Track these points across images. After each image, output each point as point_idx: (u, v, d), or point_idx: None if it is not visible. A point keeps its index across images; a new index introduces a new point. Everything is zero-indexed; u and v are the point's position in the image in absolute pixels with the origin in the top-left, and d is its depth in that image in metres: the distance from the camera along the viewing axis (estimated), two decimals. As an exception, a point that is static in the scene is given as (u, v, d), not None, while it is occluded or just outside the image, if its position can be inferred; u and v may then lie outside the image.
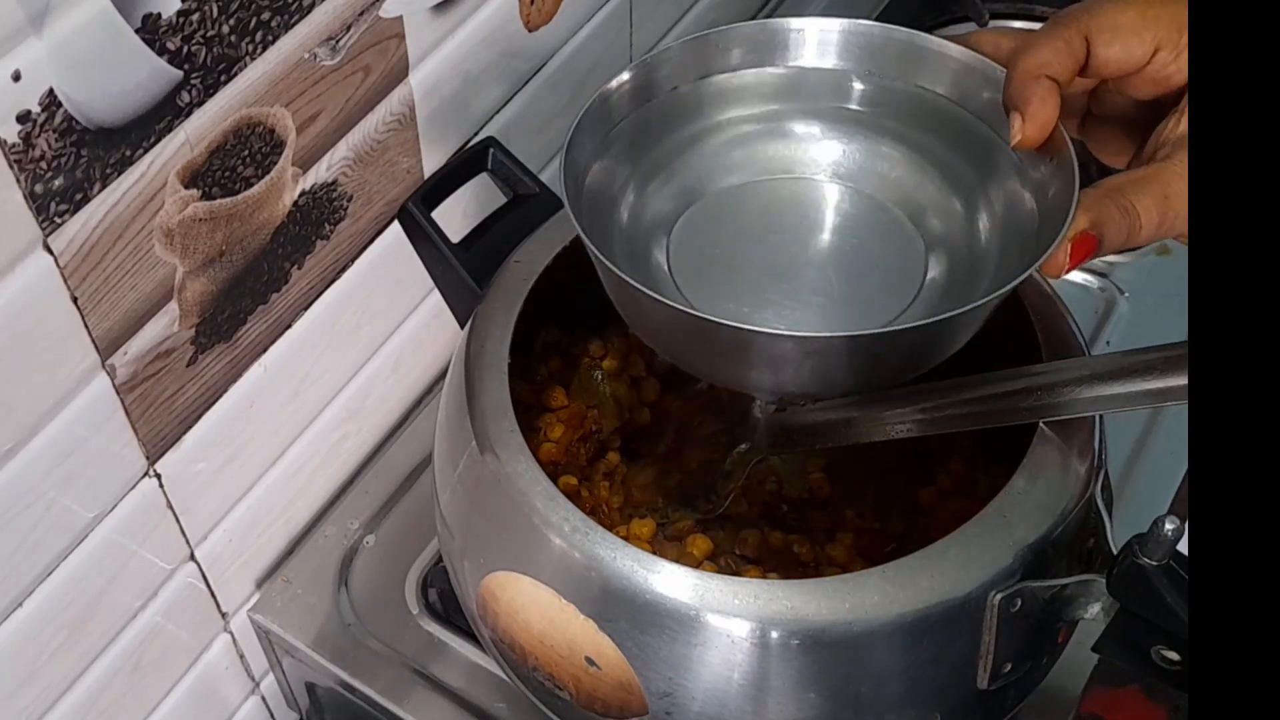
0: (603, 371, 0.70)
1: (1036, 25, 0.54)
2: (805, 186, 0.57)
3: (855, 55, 0.56)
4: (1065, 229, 0.47)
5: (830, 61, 0.56)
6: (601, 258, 0.49)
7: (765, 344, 0.49)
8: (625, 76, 0.55)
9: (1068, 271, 0.48)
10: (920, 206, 0.55)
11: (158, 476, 0.63)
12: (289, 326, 0.68)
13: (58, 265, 0.52)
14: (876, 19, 0.56)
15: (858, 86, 0.57)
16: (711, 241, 0.55)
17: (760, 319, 0.52)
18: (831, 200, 0.56)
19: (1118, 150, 0.56)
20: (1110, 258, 0.87)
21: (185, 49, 0.53)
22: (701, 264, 0.54)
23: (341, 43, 0.61)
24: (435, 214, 0.65)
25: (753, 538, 0.65)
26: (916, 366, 0.53)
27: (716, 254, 0.55)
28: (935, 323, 0.48)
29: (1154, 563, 0.49)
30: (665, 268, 0.54)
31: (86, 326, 0.54)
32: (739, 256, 0.55)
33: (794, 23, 0.56)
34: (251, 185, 0.60)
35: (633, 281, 0.48)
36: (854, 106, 0.57)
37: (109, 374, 0.57)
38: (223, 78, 0.55)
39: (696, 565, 0.63)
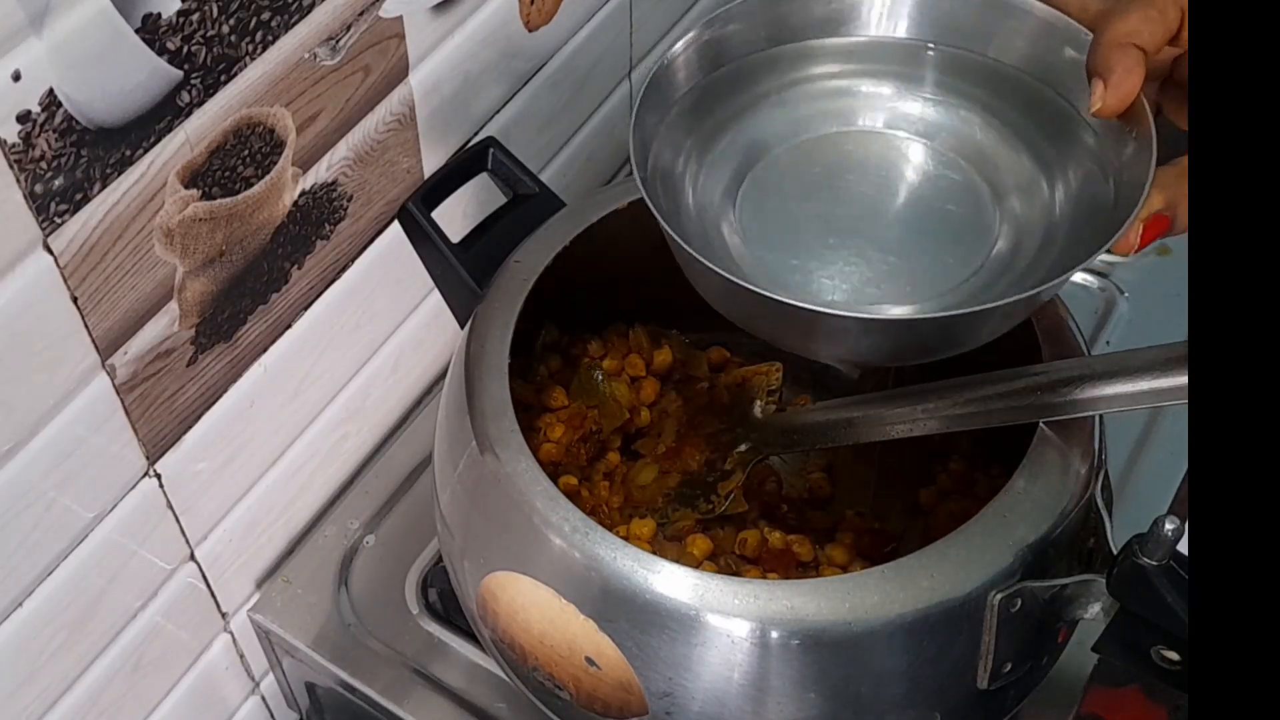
0: (603, 371, 0.70)
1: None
2: (877, 141, 0.56)
3: (933, 13, 0.55)
4: (1138, 209, 0.47)
5: (903, 23, 0.56)
6: (671, 233, 0.49)
7: (825, 321, 0.49)
8: (689, 40, 0.54)
9: (1138, 251, 0.48)
10: (995, 169, 0.54)
11: (158, 476, 0.63)
12: (289, 326, 0.68)
13: (58, 265, 0.52)
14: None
15: (931, 53, 0.56)
16: (781, 195, 0.55)
17: (825, 275, 0.51)
18: (904, 156, 0.56)
19: None
20: (1110, 257, 0.87)
21: (185, 49, 0.53)
22: (769, 218, 0.54)
23: (341, 43, 0.61)
24: (435, 214, 0.65)
25: (753, 538, 0.65)
26: (970, 343, 0.52)
27: (785, 208, 0.54)
28: (1003, 305, 0.48)
29: (1154, 563, 0.49)
30: (735, 222, 0.54)
31: (86, 326, 0.54)
32: (807, 210, 0.54)
33: None
34: (251, 185, 0.60)
35: (699, 257, 0.48)
36: (930, 71, 0.56)
37: (109, 374, 0.57)
38: (223, 78, 0.55)
39: (696, 565, 0.63)
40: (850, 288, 0.52)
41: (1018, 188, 0.54)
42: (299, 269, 0.66)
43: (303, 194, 0.63)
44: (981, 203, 0.54)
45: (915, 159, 0.56)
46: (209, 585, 0.70)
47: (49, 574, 0.58)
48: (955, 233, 0.53)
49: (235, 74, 0.56)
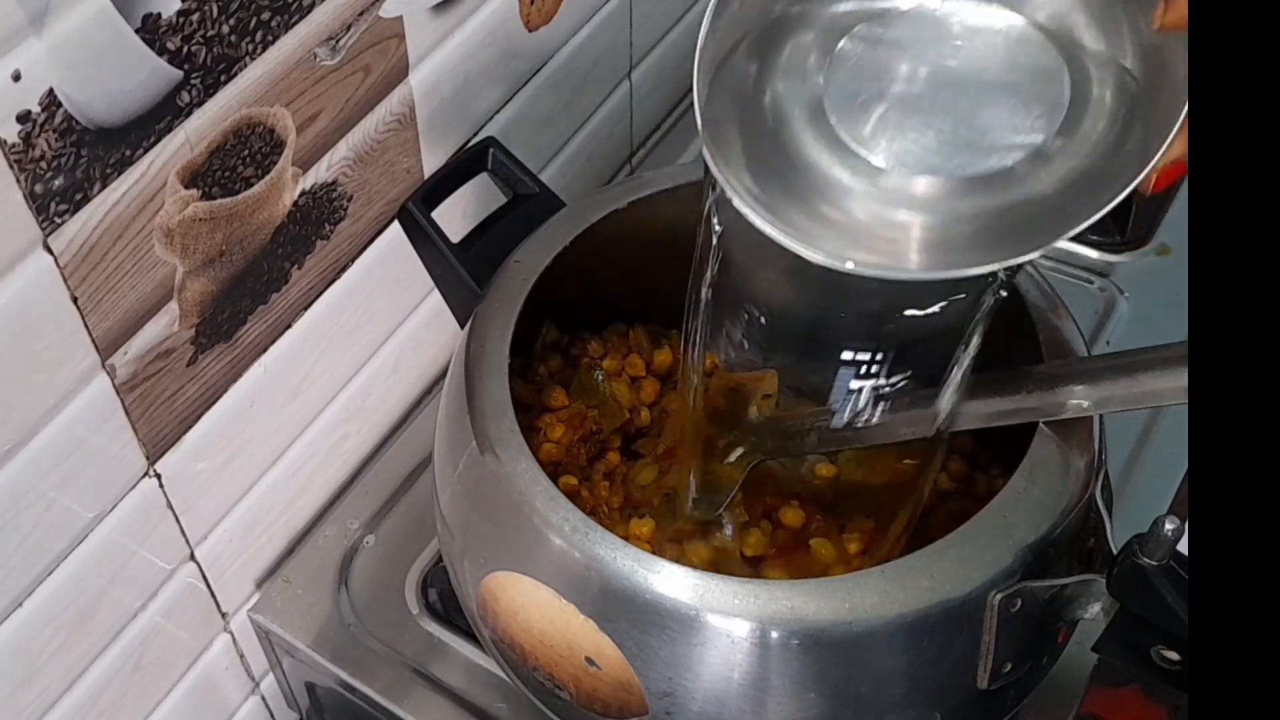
0: (603, 371, 0.70)
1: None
2: (960, 8, 0.54)
3: None
4: (1160, 154, 0.46)
5: None
6: (725, 179, 0.49)
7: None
8: None
9: (1153, 193, 0.48)
10: (1074, 44, 0.53)
11: (158, 476, 0.63)
12: (289, 326, 0.68)
13: (58, 265, 0.52)
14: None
15: None
16: (863, 67, 0.54)
17: (890, 147, 0.52)
18: (982, 24, 0.54)
19: None
20: (1110, 257, 0.88)
21: (185, 49, 0.53)
22: (851, 91, 0.53)
23: (341, 43, 0.61)
24: (435, 214, 0.65)
25: (753, 537, 0.65)
26: None
27: (875, 83, 0.54)
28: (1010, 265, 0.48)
29: (1154, 563, 0.49)
30: (819, 84, 0.53)
31: (86, 326, 0.54)
32: (885, 85, 0.53)
33: None
34: (251, 185, 0.60)
35: (759, 216, 0.49)
36: None
37: (109, 374, 0.57)
38: (223, 78, 0.55)
39: (696, 566, 0.63)
40: (910, 158, 0.51)
41: (1089, 69, 0.52)
42: (299, 269, 0.66)
43: (303, 194, 0.63)
44: (1056, 78, 0.53)
45: (994, 26, 0.54)
46: (209, 585, 0.70)
47: (49, 574, 0.58)
48: (1026, 105, 0.52)
49: (235, 74, 0.56)
